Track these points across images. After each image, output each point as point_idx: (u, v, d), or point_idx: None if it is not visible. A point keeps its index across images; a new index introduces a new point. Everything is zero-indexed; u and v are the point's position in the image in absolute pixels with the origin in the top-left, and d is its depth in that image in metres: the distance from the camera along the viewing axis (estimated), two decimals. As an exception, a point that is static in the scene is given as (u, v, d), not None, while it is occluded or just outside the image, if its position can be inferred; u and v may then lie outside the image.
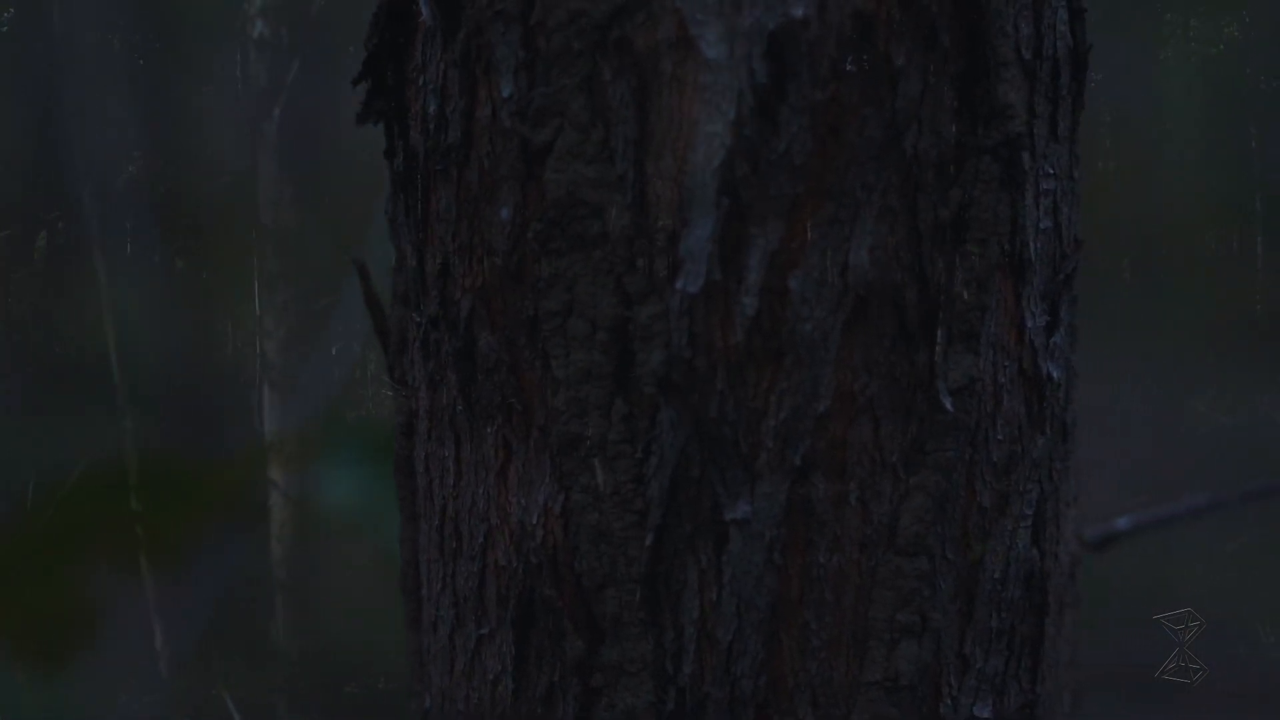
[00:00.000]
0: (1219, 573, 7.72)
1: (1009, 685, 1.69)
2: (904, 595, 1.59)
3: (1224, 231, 12.53)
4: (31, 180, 10.21)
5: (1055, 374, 1.72)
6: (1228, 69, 12.38)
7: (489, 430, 1.60)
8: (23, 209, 10.76)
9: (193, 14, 12.08)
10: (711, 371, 1.53)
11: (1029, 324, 1.66)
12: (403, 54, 1.75)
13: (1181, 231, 11.77)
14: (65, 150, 8.32)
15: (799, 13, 1.47)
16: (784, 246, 1.47)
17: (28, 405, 9.97)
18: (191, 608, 5.23)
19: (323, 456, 2.31)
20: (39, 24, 9.94)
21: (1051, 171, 1.67)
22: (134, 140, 11.06)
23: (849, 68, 1.47)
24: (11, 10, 11.51)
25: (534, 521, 1.59)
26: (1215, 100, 12.35)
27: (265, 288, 4.90)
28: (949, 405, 1.60)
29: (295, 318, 5.51)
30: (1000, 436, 1.66)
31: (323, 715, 6.48)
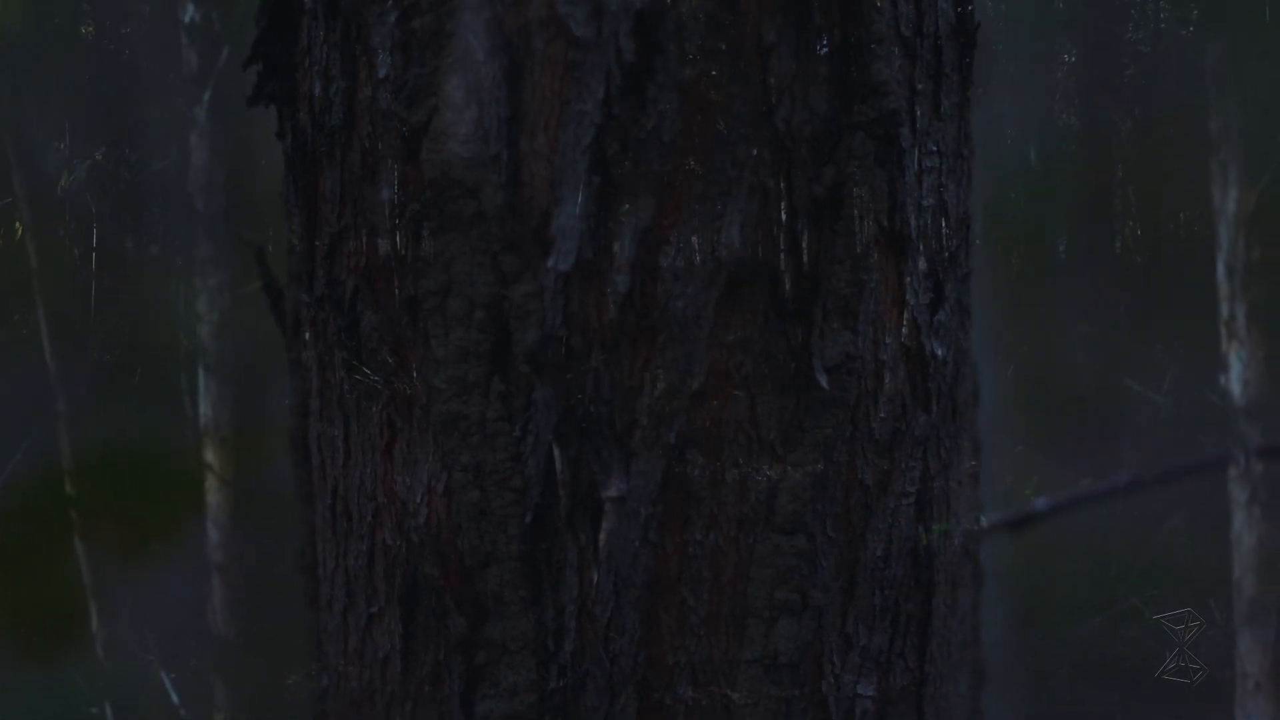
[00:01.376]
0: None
1: (894, 664, 1.69)
2: (782, 573, 1.59)
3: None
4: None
5: (940, 351, 1.72)
6: None
7: (374, 410, 1.60)
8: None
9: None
10: (586, 350, 1.53)
11: (911, 301, 1.65)
12: (291, 37, 1.74)
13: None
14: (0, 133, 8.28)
15: (666, -8, 1.47)
16: (655, 224, 1.47)
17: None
18: (129, 589, 5.21)
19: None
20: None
21: (935, 149, 1.66)
22: (71, 126, 11.01)
23: (718, 46, 1.46)
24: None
25: (418, 500, 1.59)
26: None
27: (198, 272, 4.87)
28: (824, 383, 1.59)
29: (229, 302, 5.47)
30: (883, 414, 1.66)
31: (258, 694, 6.51)
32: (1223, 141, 3.20)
